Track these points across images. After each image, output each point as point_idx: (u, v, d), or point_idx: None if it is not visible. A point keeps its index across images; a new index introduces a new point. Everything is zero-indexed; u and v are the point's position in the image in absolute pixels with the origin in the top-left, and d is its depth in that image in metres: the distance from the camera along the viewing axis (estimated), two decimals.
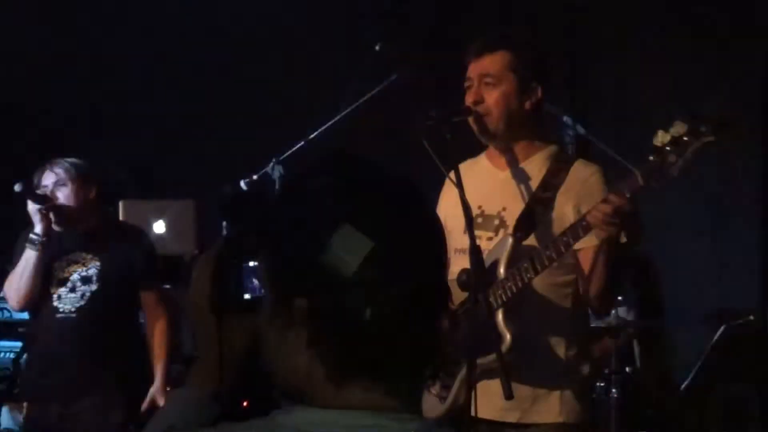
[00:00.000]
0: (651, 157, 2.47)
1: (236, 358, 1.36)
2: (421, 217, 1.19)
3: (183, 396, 1.37)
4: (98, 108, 5.92)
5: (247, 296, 1.32)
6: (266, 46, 5.82)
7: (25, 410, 3.95)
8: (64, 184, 3.93)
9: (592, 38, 5.49)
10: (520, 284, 2.68)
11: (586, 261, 2.71)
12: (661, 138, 2.45)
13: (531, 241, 2.75)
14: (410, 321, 1.14)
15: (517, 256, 2.72)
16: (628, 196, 2.48)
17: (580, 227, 2.58)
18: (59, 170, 3.95)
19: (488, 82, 2.79)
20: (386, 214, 1.15)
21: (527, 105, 2.81)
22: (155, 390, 3.99)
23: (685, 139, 2.42)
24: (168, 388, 4.00)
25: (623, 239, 2.57)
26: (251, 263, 1.30)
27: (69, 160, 4.01)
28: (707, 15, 5.06)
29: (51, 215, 3.87)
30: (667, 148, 2.44)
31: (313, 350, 1.15)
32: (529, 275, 2.66)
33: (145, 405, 3.96)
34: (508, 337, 2.67)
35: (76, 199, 3.94)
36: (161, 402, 3.93)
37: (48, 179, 3.94)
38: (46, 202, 3.87)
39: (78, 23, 5.85)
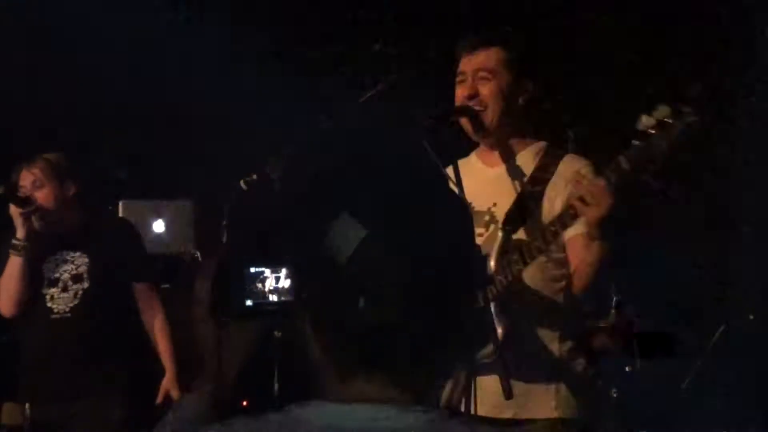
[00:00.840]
0: (635, 142, 2.44)
1: (237, 364, 1.36)
2: (430, 208, 1.17)
3: (186, 403, 1.38)
4: (98, 107, 5.91)
5: (249, 302, 1.31)
6: (266, 46, 5.82)
7: (27, 411, 3.93)
8: (41, 185, 3.84)
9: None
10: (510, 277, 2.67)
11: (574, 249, 2.71)
12: (645, 122, 2.43)
13: (521, 234, 2.73)
14: (411, 311, 1.12)
15: (506, 249, 2.70)
16: (612, 180, 2.45)
17: (568, 215, 2.57)
18: (36, 170, 3.86)
19: (483, 77, 2.79)
20: (387, 204, 1.14)
21: (521, 101, 2.82)
22: (167, 382, 3.91)
23: (670, 121, 2.40)
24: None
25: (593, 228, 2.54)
26: (253, 269, 1.30)
27: (46, 156, 3.91)
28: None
29: (33, 218, 3.82)
30: (652, 131, 2.42)
31: (318, 342, 1.15)
32: (518, 267, 2.65)
33: (159, 398, 3.90)
34: (500, 331, 2.66)
35: (55, 200, 3.86)
36: (175, 393, 3.85)
37: (25, 180, 3.86)
38: (29, 205, 3.80)
39: (78, 22, 5.84)
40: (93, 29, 5.85)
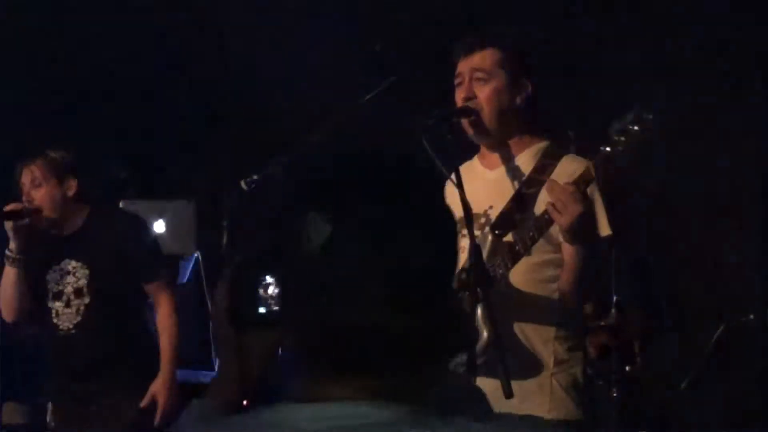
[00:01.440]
0: (602, 148, 2.51)
1: (254, 370, 1.36)
2: (412, 211, 1.17)
3: (201, 407, 1.38)
4: (98, 107, 5.91)
5: (262, 310, 1.31)
6: (266, 47, 5.82)
7: (49, 411, 3.92)
8: (40, 185, 3.81)
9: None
10: (496, 279, 2.67)
11: (566, 252, 2.70)
12: (613, 128, 2.49)
13: (510, 237, 2.73)
14: (384, 311, 1.11)
15: (495, 252, 2.71)
16: (578, 186, 2.49)
17: (543, 220, 2.58)
18: (35, 168, 3.83)
19: (479, 78, 2.80)
20: (370, 205, 1.14)
21: (518, 101, 2.82)
22: (156, 384, 3.81)
23: (635, 128, 2.47)
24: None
25: (568, 235, 2.56)
26: (268, 277, 1.30)
27: (49, 153, 3.87)
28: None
29: (28, 221, 3.75)
30: (619, 138, 2.48)
31: (297, 342, 1.15)
32: (501, 271, 2.66)
33: (144, 402, 3.79)
34: (485, 334, 2.65)
35: (53, 200, 3.82)
36: (161, 399, 3.77)
37: (25, 178, 3.84)
38: (19, 218, 3.75)
39: (80, 22, 5.84)
40: (93, 28, 5.85)
